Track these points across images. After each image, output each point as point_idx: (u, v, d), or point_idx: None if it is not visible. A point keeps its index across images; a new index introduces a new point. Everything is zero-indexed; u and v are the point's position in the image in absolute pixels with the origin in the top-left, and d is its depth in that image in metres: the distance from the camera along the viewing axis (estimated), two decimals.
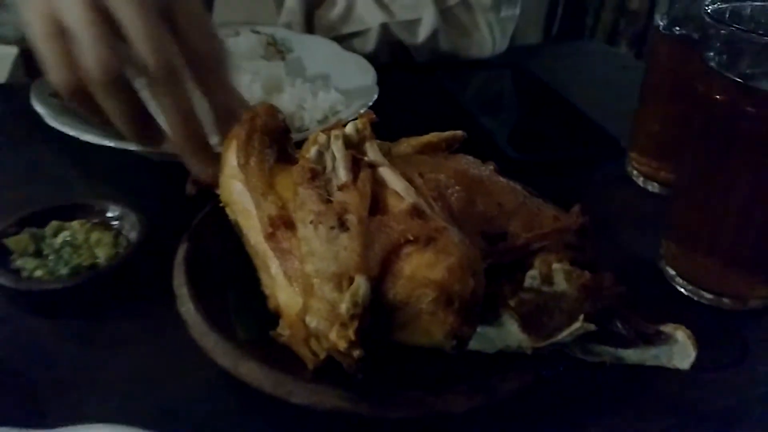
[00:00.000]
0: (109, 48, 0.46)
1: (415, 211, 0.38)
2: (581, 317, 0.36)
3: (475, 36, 0.87)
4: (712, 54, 0.47)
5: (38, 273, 0.48)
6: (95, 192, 0.62)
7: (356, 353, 0.34)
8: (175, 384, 0.42)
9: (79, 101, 0.49)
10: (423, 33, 0.84)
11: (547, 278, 0.39)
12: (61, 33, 0.46)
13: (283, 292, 0.39)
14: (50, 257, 0.49)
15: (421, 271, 0.35)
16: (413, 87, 0.83)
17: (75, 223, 0.52)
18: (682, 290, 0.52)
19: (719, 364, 0.47)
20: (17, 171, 0.65)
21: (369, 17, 0.83)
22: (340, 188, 0.39)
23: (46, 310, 0.48)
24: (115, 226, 0.53)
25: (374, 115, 0.47)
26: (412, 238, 0.36)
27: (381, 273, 0.35)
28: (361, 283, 0.34)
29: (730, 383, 0.45)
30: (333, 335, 0.34)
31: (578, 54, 1.06)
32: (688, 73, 0.51)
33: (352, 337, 0.34)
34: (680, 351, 0.38)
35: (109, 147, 0.59)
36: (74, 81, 0.47)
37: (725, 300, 0.51)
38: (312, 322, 0.35)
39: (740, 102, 0.46)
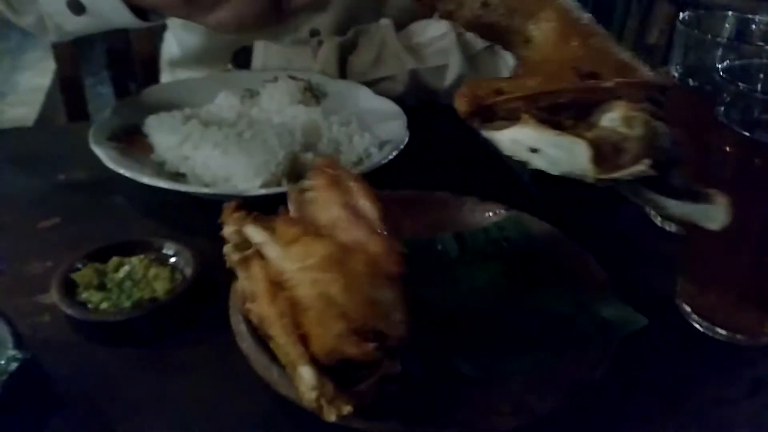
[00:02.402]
0: None
1: (279, 284, 0.42)
2: (647, 161, 0.39)
3: None
4: (722, 108, 0.51)
5: (104, 305, 0.52)
6: (149, 229, 0.66)
7: (346, 410, 0.38)
8: (232, 409, 0.47)
9: None
10: (449, 78, 0.89)
11: (627, 121, 0.41)
12: None
13: None
14: (113, 290, 0.54)
15: (316, 332, 0.40)
16: (440, 128, 0.87)
17: (134, 259, 0.57)
18: (698, 326, 0.56)
19: (733, 398, 0.50)
20: (79, 208, 0.70)
21: (399, 63, 0.88)
22: (252, 301, 0.44)
23: (111, 339, 0.52)
24: (171, 263, 0.58)
25: (235, 205, 0.49)
26: (288, 320, 0.40)
27: (307, 348, 0.39)
28: (302, 373, 0.39)
29: (743, 417, 0.48)
30: (323, 415, 0.38)
31: None
32: (701, 124, 0.55)
33: (330, 407, 0.38)
34: (715, 213, 0.43)
35: (163, 188, 0.64)
36: None
37: (739, 336, 0.54)
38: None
39: (748, 154, 0.49)
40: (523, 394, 0.43)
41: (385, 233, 0.42)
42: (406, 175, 0.68)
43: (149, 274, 0.55)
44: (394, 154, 0.71)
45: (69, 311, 0.51)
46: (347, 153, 0.74)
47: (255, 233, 0.45)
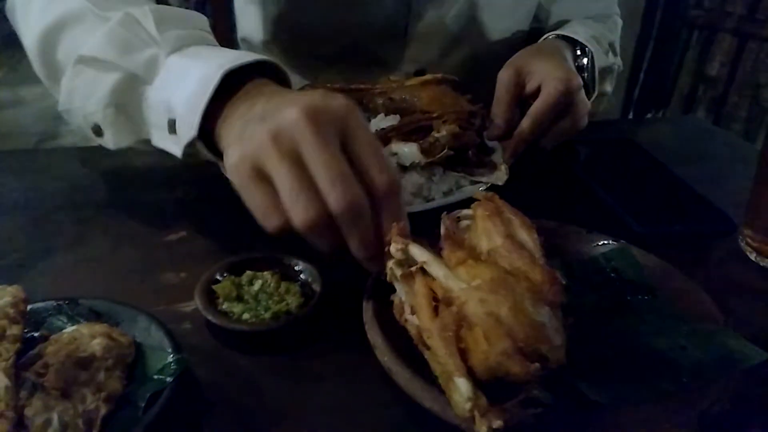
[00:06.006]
0: (309, 200, 0.48)
1: (446, 300, 0.45)
2: (447, 149, 0.75)
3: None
4: None
5: (246, 316, 0.56)
6: (269, 244, 0.70)
7: (497, 424, 0.40)
8: (371, 417, 0.50)
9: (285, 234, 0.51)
10: None
11: (439, 130, 0.76)
12: (262, 180, 0.49)
13: None
14: (250, 303, 0.58)
15: (480, 348, 0.42)
16: (532, 163, 0.89)
17: (266, 274, 0.61)
18: None
19: None
20: (201, 223, 0.75)
21: None
22: (412, 313, 0.47)
23: (248, 348, 0.56)
24: (300, 278, 0.62)
25: (402, 225, 0.50)
26: (451, 334, 0.43)
27: (465, 362, 0.42)
28: (459, 384, 0.41)
29: None
30: (475, 426, 0.41)
31: (681, 128, 1.14)
32: None
33: (482, 420, 0.40)
34: (500, 175, 0.76)
35: None
36: (282, 226, 0.50)
37: None
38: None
39: None
40: (657, 421, 0.45)
41: (544, 264, 0.45)
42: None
43: (281, 288, 0.59)
44: (485, 186, 0.74)
45: (214, 320, 0.56)
46: (439, 182, 0.77)
47: (420, 253, 0.48)
